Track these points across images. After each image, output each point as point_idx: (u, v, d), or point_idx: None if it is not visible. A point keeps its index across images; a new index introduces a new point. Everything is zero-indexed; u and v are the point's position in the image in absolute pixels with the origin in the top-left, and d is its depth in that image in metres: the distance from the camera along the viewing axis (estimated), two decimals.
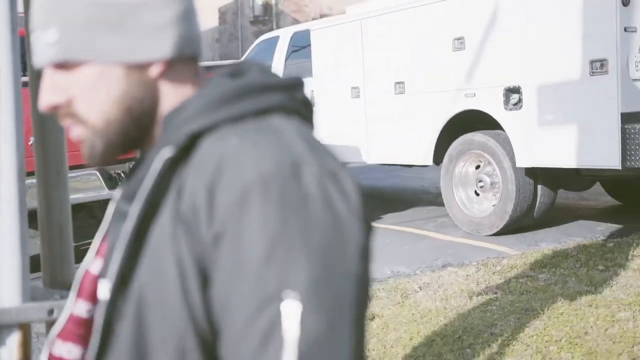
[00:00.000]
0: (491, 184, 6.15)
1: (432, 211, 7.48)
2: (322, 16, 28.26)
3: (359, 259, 0.75)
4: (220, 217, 0.74)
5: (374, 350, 3.58)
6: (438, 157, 6.53)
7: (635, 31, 5.07)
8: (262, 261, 0.72)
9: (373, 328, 3.88)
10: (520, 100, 5.70)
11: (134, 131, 0.87)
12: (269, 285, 0.71)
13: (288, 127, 0.80)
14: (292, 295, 0.71)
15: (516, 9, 5.69)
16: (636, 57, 5.07)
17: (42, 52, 0.86)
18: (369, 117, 7.18)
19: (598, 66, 5.12)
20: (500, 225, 5.97)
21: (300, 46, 8.99)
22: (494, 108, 5.90)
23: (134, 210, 0.81)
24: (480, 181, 6.25)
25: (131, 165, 1.23)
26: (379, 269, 5.33)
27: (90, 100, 0.85)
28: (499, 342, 3.52)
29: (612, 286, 4.32)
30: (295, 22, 28.49)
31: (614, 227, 6.13)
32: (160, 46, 0.84)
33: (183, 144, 0.80)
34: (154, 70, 0.85)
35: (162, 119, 0.86)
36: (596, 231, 5.99)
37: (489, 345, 3.49)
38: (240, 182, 0.74)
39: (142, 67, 0.84)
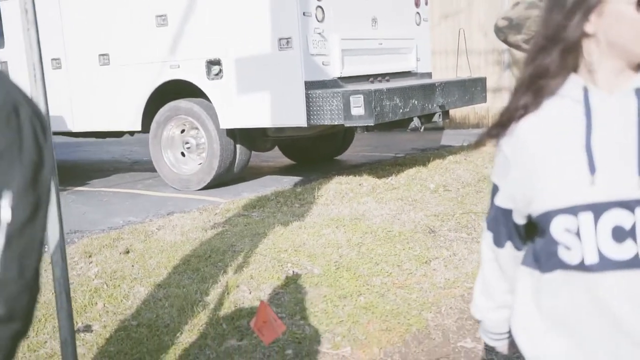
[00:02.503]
0: (197, 145, 7.00)
1: (134, 176, 8.07)
2: None
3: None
4: None
5: (139, 274, 4.20)
6: (146, 124, 7.16)
7: (311, 15, 6.32)
8: None
9: (132, 258, 4.48)
10: (220, 71, 6.63)
11: None
12: None
13: None
14: (8, 193, 1.02)
15: None
16: (313, 37, 6.33)
17: None
18: (73, 88, 7.47)
19: (284, 43, 6.27)
20: (207, 180, 6.86)
21: None
22: (198, 78, 6.74)
23: None
24: (187, 143, 7.05)
25: None
26: (109, 220, 5.84)
27: None
28: (241, 255, 4.41)
29: (310, 215, 5.50)
30: None
31: (296, 178, 7.43)
32: None
33: None
34: None
35: None
36: (283, 182, 7.22)
37: (234, 259, 4.36)
38: None
39: None
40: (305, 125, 6.30)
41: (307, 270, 4.15)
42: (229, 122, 6.68)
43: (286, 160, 8.77)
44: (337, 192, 6.34)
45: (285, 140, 8.02)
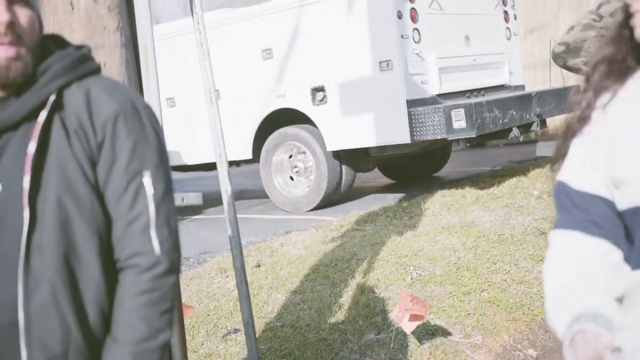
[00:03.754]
0: (305, 168, 7.41)
1: (244, 203, 8.56)
2: None
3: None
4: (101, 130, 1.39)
5: (273, 283, 4.58)
6: (256, 153, 7.64)
7: (409, 37, 6.66)
8: (130, 153, 1.40)
9: (264, 271, 4.87)
10: (325, 97, 7.04)
11: None
12: (135, 167, 1.41)
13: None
14: (147, 172, 1.40)
15: (315, 21, 7.03)
16: (411, 58, 6.66)
17: None
18: (188, 124, 8.05)
19: (385, 65, 6.63)
20: (317, 200, 7.25)
21: None
22: (303, 105, 7.18)
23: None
24: (295, 167, 7.48)
25: None
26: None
27: None
28: (365, 262, 4.73)
29: (421, 225, 5.77)
30: None
31: (399, 195, 7.72)
32: None
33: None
34: None
35: None
36: (388, 199, 7.52)
37: (359, 265, 4.68)
38: (111, 108, 1.40)
39: None
40: (409, 142, 6.60)
41: (429, 271, 4.43)
42: (335, 144, 7.07)
43: (386, 180, 9.08)
44: (442, 204, 6.59)
45: (386, 160, 8.34)
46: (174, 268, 1.44)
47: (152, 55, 2.33)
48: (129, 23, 2.40)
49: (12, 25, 1.32)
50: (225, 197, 2.86)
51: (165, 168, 1.46)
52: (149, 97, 2.39)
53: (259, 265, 5.05)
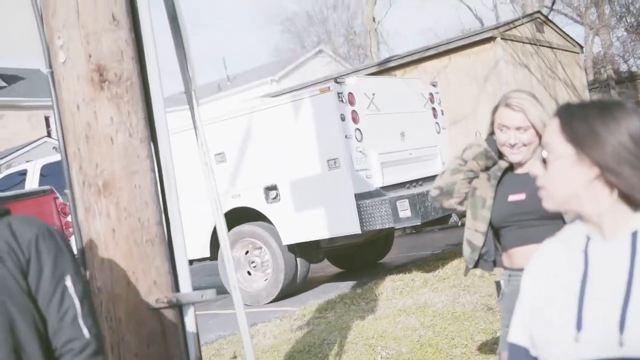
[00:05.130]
0: (261, 262, 7.82)
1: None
2: None
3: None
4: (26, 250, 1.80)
5: None
6: (213, 252, 8.01)
7: (352, 137, 7.30)
8: (53, 264, 1.82)
9: None
10: (277, 195, 7.56)
11: None
12: (58, 274, 1.82)
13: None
14: (68, 276, 1.82)
15: (264, 125, 7.61)
16: (356, 155, 7.29)
17: None
18: None
19: (333, 163, 7.23)
20: (275, 293, 7.63)
21: (54, 175, 9.81)
22: (257, 203, 7.66)
23: None
24: (253, 262, 7.88)
25: None
26: (204, 337, 6.57)
27: None
28: (336, 345, 5.13)
29: (379, 309, 6.23)
30: None
31: (350, 282, 8.18)
32: None
33: None
34: None
35: None
36: (341, 287, 7.97)
37: (331, 349, 5.08)
38: (31, 233, 1.84)
39: None
40: (360, 232, 7.14)
41: (396, 350, 4.87)
42: (290, 238, 7.53)
43: (335, 269, 9.55)
44: (394, 289, 7.09)
45: (335, 250, 8.85)
46: (101, 348, 1.89)
47: (172, 172, 2.85)
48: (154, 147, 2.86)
49: None
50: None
51: (79, 272, 1.92)
52: (171, 205, 2.86)
53: (235, 357, 5.37)
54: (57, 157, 10.56)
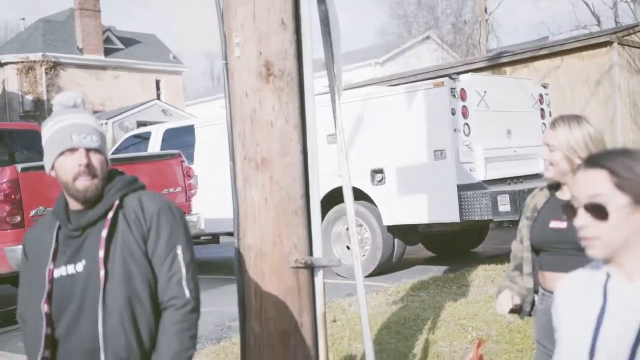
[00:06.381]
0: (361, 239, 8.34)
1: None
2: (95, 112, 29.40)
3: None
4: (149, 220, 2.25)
5: (351, 336, 5.45)
6: None
7: (460, 131, 7.67)
8: (168, 234, 2.26)
9: (340, 325, 5.75)
10: (383, 178, 8.04)
11: None
12: (171, 243, 2.26)
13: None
14: (179, 246, 2.26)
15: (377, 113, 8.09)
16: (462, 148, 7.66)
17: None
18: None
19: (439, 154, 7.63)
20: (371, 268, 8.15)
21: (171, 139, 10.65)
22: (363, 184, 8.16)
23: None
24: None
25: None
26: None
27: None
28: (429, 322, 5.60)
29: (470, 294, 6.64)
30: None
31: (443, 267, 8.59)
32: None
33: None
34: None
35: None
36: (433, 270, 8.40)
37: (424, 324, 5.56)
38: (155, 207, 2.28)
39: None
40: (458, 221, 7.53)
41: (486, 332, 5.29)
42: (390, 219, 8.01)
43: (428, 253, 9.97)
44: (486, 277, 7.47)
45: (430, 235, 9.27)
46: (198, 308, 2.32)
47: (316, 155, 3.39)
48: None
49: (89, 166, 2.26)
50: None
51: (190, 244, 2.36)
52: (313, 182, 3.39)
53: (334, 320, 5.93)
54: (178, 123, 11.42)
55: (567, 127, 2.60)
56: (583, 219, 1.48)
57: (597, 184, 1.47)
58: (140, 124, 25.90)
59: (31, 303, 2.29)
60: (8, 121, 28.78)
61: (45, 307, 2.24)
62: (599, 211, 1.45)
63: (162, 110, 29.46)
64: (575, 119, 2.64)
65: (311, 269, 3.35)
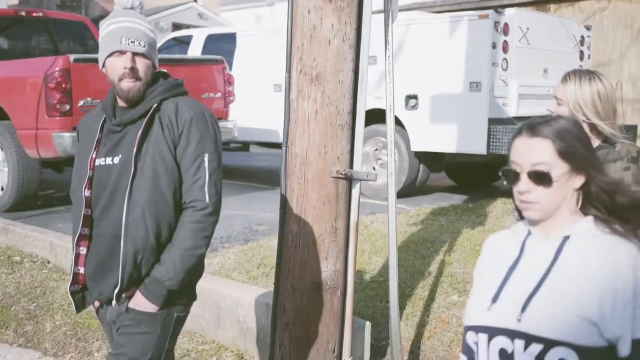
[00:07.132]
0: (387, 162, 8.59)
1: None
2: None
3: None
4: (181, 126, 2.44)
5: (371, 250, 5.79)
6: None
7: (498, 65, 7.78)
8: (198, 142, 2.44)
9: (362, 240, 6.09)
10: (416, 104, 8.22)
11: None
12: (199, 150, 2.44)
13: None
14: (206, 154, 2.43)
15: (418, 39, 8.19)
16: (498, 82, 7.79)
17: None
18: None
19: (475, 86, 7.78)
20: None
21: (211, 45, 10.80)
22: (397, 108, 8.34)
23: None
24: (379, 159, 8.68)
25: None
26: None
27: None
28: (446, 244, 5.92)
29: (488, 224, 6.93)
30: (104, 10, 29.14)
31: (463, 197, 8.86)
32: None
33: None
34: None
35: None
36: (454, 199, 8.67)
37: (442, 246, 5.88)
38: (189, 114, 2.46)
39: None
40: (485, 153, 7.74)
41: None
42: (418, 145, 8.24)
43: (450, 182, 10.23)
44: (504, 210, 7.73)
45: (455, 165, 9.50)
46: (216, 212, 2.51)
47: (366, 75, 3.62)
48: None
49: (133, 69, 2.45)
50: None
51: (218, 153, 2.51)
52: (360, 100, 3.64)
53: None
54: (220, 30, 11.54)
55: (577, 83, 2.62)
56: (526, 184, 1.59)
57: (541, 153, 1.58)
58: (176, 26, 25.92)
59: (77, 185, 2.56)
60: (45, 10, 28.75)
61: (86, 191, 2.51)
62: (542, 178, 1.56)
63: (199, 13, 29.37)
64: (588, 74, 2.66)
65: (350, 180, 3.64)
